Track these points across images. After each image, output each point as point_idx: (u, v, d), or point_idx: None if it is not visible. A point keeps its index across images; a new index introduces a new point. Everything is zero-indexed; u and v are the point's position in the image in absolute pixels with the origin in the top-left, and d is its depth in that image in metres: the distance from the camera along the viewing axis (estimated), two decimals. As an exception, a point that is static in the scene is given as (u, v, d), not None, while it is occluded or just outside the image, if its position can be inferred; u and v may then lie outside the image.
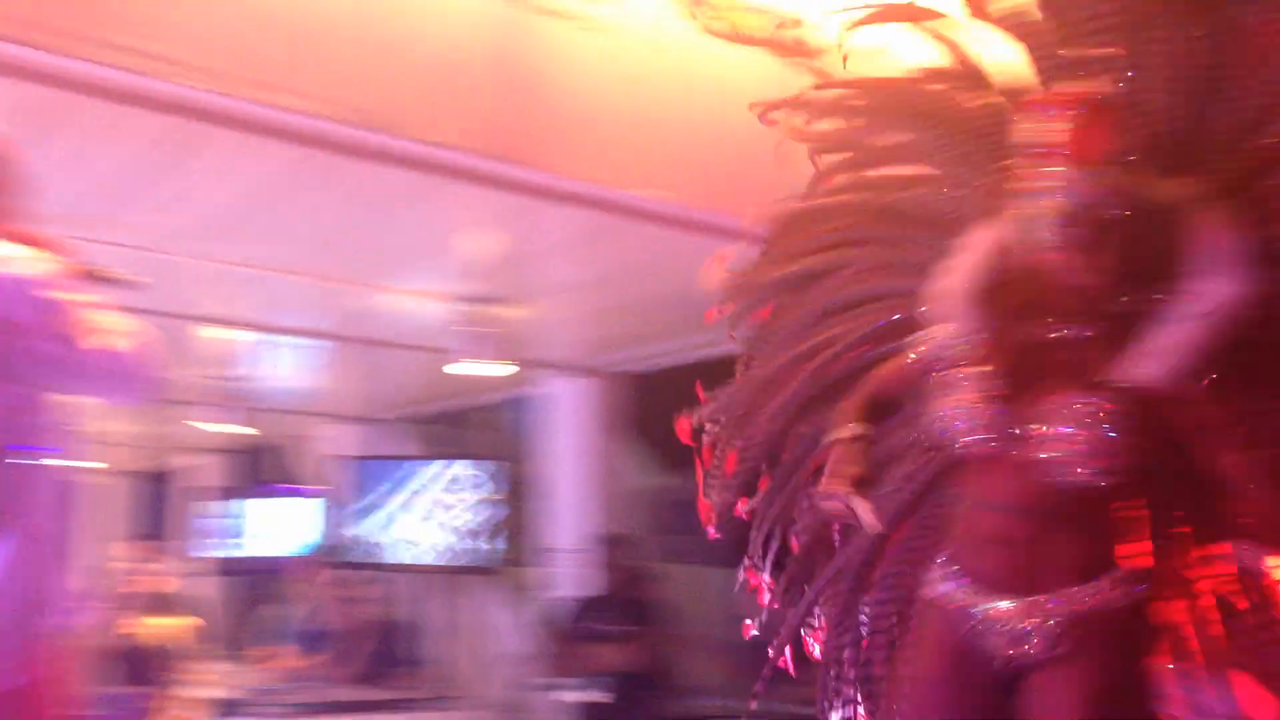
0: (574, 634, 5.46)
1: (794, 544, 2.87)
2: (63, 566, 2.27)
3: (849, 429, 2.31)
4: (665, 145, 3.91)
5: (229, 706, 5.56)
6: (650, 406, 6.33)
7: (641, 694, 5.23)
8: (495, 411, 8.06)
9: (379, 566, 7.19)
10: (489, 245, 4.53)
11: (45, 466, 2.28)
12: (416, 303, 5.19)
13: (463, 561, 6.96)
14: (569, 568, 6.25)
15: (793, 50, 4.05)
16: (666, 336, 5.90)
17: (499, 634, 7.17)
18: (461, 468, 6.97)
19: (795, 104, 2.93)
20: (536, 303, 5.24)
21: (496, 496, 6.78)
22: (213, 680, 5.58)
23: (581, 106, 3.77)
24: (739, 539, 3.47)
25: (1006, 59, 2.52)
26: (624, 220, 4.05)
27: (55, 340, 2.25)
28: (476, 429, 8.40)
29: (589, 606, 5.55)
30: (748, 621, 3.11)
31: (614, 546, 5.68)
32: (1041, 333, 2.10)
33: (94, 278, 2.51)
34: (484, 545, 6.83)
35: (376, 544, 7.19)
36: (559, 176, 3.75)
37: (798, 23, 4.11)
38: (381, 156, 3.55)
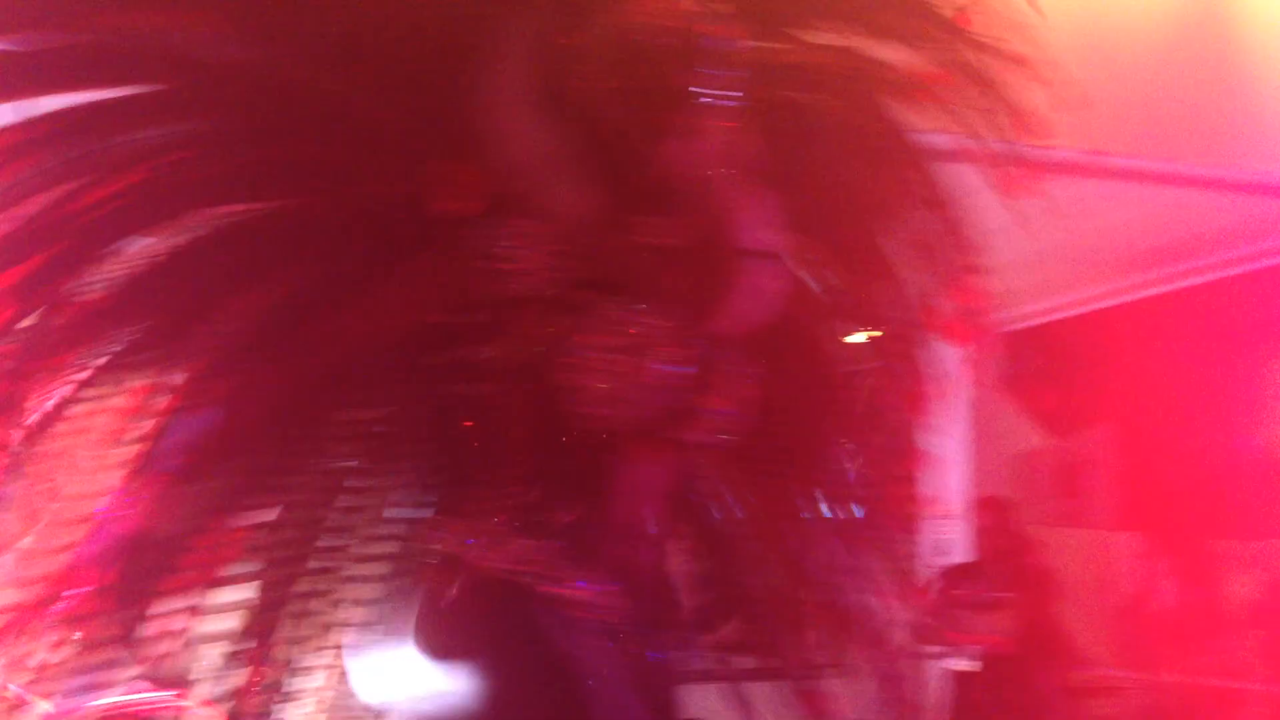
0: (952, 600, 5.40)
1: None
2: None
3: None
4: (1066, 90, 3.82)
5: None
6: (1036, 363, 6.20)
7: (1022, 664, 5.10)
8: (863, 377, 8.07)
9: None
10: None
11: None
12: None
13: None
14: (952, 533, 6.22)
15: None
16: (1058, 291, 5.76)
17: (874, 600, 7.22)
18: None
19: None
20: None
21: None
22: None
23: None
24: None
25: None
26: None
27: None
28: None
29: (966, 571, 5.49)
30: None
31: (994, 510, 5.56)
32: None
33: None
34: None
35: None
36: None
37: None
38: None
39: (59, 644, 1.49)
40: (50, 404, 1.53)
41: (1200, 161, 3.97)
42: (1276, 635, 5.12)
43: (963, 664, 5.31)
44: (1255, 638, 5.34)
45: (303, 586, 1.57)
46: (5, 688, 1.55)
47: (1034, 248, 4.93)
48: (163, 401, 1.51)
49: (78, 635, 1.48)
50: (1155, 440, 5.69)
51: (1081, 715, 5.49)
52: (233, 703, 1.53)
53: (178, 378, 1.51)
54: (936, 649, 5.56)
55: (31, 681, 1.51)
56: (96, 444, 1.52)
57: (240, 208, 1.56)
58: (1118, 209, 4.40)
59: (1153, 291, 5.40)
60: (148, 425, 1.50)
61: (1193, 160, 3.96)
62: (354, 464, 1.59)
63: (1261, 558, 6.40)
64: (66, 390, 1.52)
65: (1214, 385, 5.51)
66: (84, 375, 1.53)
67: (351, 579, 1.59)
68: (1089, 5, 3.78)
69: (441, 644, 1.57)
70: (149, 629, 1.50)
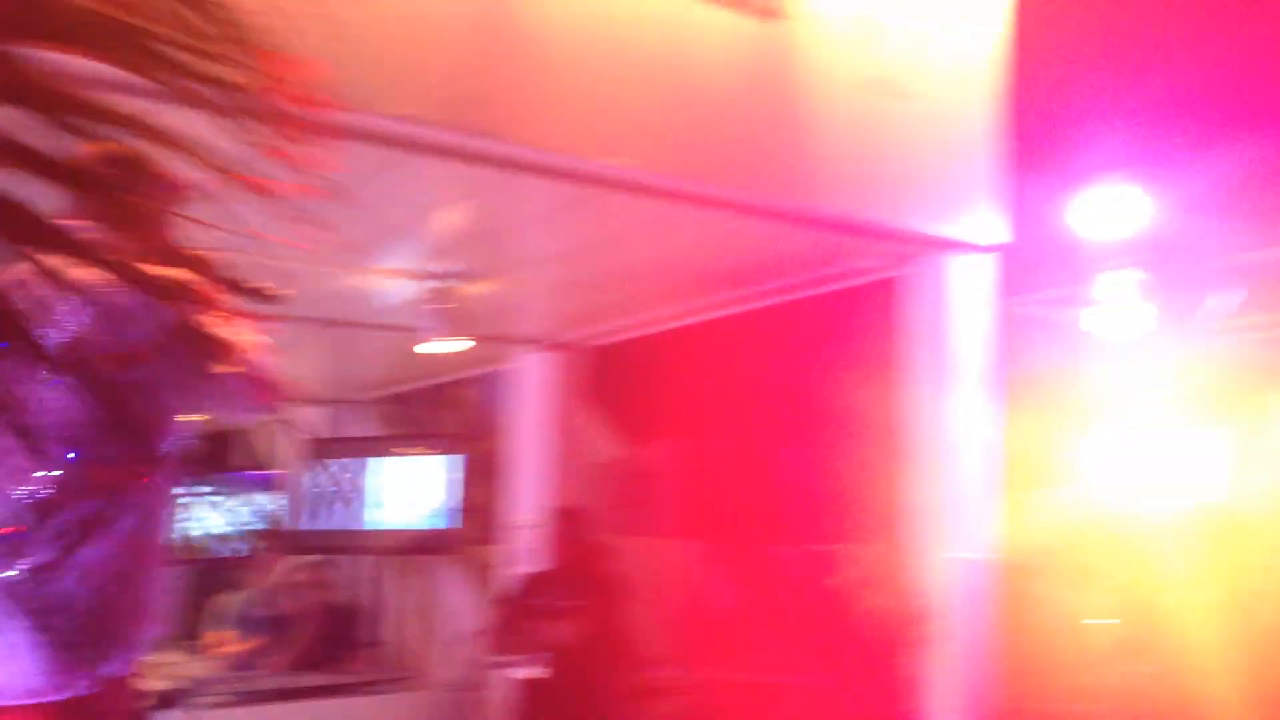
0: (523, 609, 5.45)
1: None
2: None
3: None
4: (638, 114, 3.96)
5: (176, 695, 5.51)
6: (612, 378, 6.43)
7: (589, 668, 5.24)
8: (460, 389, 8.10)
9: (337, 549, 7.21)
10: (458, 220, 4.56)
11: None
12: (384, 281, 5.21)
13: (422, 542, 7.00)
14: (528, 543, 6.31)
15: (767, 13, 4.11)
16: (635, 309, 5.98)
17: (456, 614, 7.21)
18: (424, 448, 7.00)
19: None
20: (506, 277, 5.28)
21: (458, 475, 6.82)
22: (163, 669, 5.53)
23: (552, 76, 3.79)
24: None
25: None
26: (595, 191, 4.09)
27: (192, 370, 2.40)
28: (440, 408, 8.43)
29: (539, 581, 5.57)
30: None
31: (567, 519, 5.67)
32: None
33: (237, 290, 2.40)
34: (444, 524, 6.87)
35: (336, 526, 7.20)
36: (529, 148, 3.75)
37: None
38: (348, 132, 3.53)
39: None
40: None
41: (765, 193, 4.24)
42: (825, 635, 5.57)
43: (532, 671, 5.35)
44: (805, 637, 5.81)
45: None
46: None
47: (613, 267, 5.16)
48: None
49: None
50: (718, 453, 6.08)
51: (644, 715, 5.71)
52: None
53: None
54: (507, 658, 5.60)
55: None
56: None
57: None
58: (690, 233, 4.61)
59: (721, 313, 5.72)
60: None
61: (758, 191, 4.22)
62: None
63: (816, 562, 6.97)
64: None
65: (774, 402, 5.94)
66: None
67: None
68: (665, 34, 3.93)
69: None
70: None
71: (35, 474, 2.27)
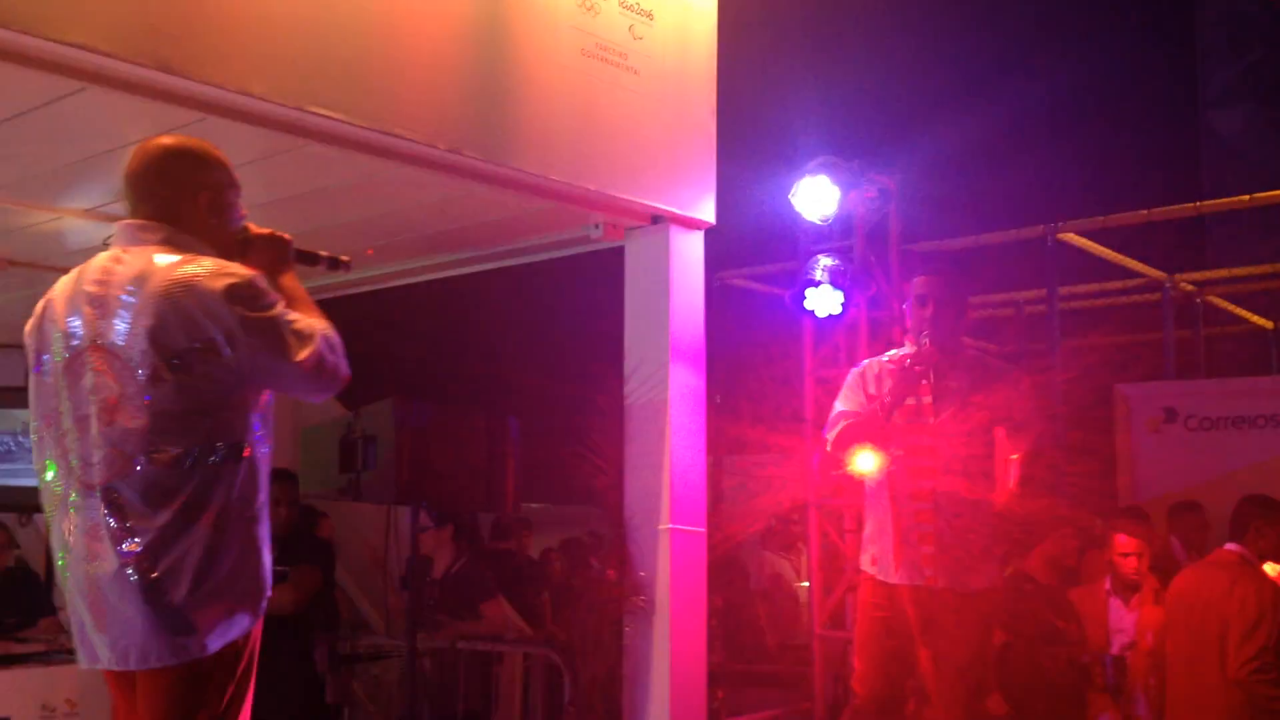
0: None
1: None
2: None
3: None
4: (346, 64, 3.79)
5: None
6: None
7: (293, 634, 5.03)
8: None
9: (10, 506, 6.64)
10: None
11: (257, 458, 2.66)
12: (65, 222, 4.81)
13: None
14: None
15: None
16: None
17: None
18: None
19: None
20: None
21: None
22: None
23: (254, 17, 3.57)
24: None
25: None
26: (300, 143, 3.88)
27: (277, 354, 2.58)
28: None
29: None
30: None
31: (276, 482, 5.38)
32: None
33: (306, 261, 2.84)
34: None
35: (7, 482, 6.63)
36: (224, 90, 3.52)
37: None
38: (16, 57, 3.22)
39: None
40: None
41: (478, 155, 4.16)
42: (544, 601, 5.53)
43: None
44: (524, 603, 5.79)
45: None
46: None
47: (322, 222, 4.94)
48: None
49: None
50: (435, 417, 5.94)
51: (361, 681, 5.57)
52: None
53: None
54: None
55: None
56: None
57: None
58: (405, 192, 4.47)
59: (442, 274, 5.61)
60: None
61: (470, 153, 4.13)
62: None
63: (531, 529, 6.90)
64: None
65: (494, 367, 5.87)
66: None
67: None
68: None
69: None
70: None
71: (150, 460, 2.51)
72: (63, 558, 2.62)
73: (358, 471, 5.11)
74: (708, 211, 4.87)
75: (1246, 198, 8.78)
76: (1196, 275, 10.65)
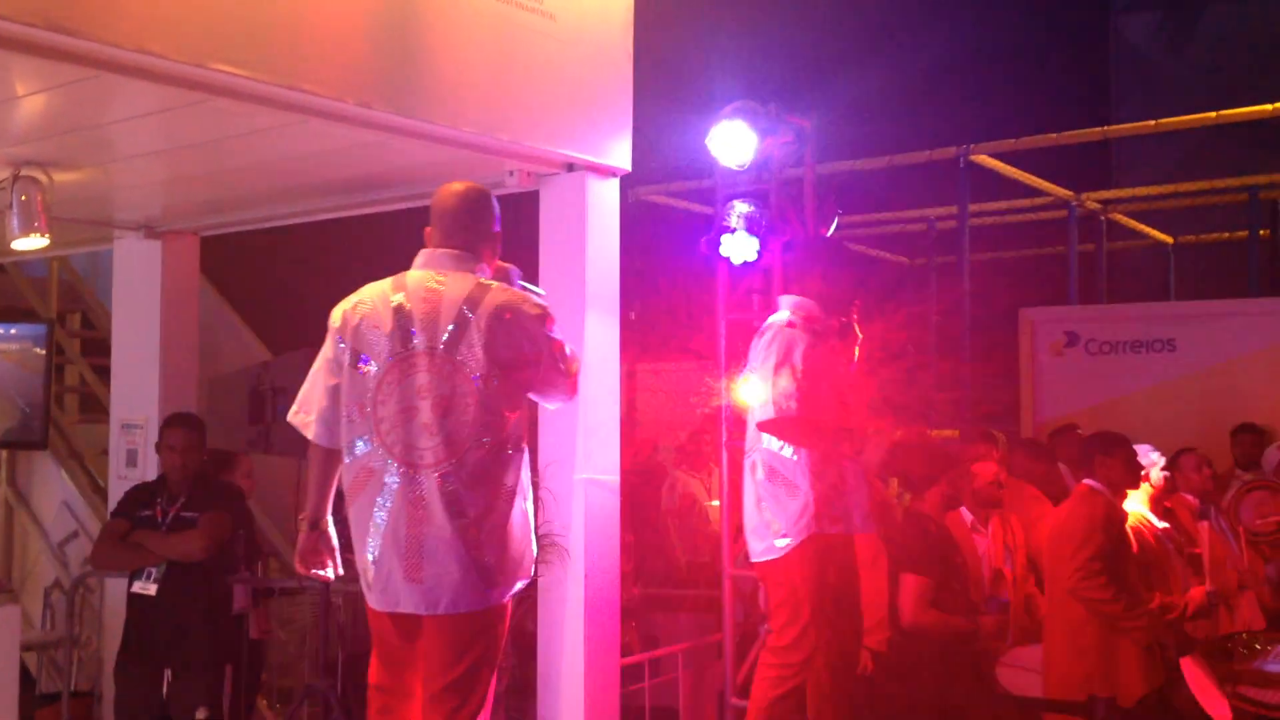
0: (130, 521, 5.08)
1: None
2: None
3: None
4: (246, 18, 3.64)
5: None
6: (240, 278, 6.05)
7: (205, 579, 4.98)
8: (47, 271, 7.41)
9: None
10: (46, 114, 4.08)
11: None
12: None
13: (11, 437, 6.41)
14: (138, 447, 5.92)
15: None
16: (246, 205, 5.61)
17: (54, 518, 6.71)
18: (12, 330, 6.36)
19: None
20: (101, 168, 4.81)
21: (45, 360, 6.24)
22: None
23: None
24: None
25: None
26: (200, 96, 3.74)
27: (557, 371, 3.27)
28: (28, 289, 7.70)
29: (148, 491, 5.21)
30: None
31: (178, 427, 5.19)
32: None
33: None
34: (37, 418, 6.30)
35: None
36: (121, 49, 3.37)
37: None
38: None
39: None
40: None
41: (396, 110, 4.05)
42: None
43: (145, 584, 5.04)
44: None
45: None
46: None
47: (225, 167, 4.80)
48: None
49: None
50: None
51: (268, 627, 5.57)
52: None
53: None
54: (118, 569, 5.27)
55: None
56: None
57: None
58: (312, 140, 4.35)
59: (356, 212, 5.49)
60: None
61: (389, 108, 4.03)
62: None
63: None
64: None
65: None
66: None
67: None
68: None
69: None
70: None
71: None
72: (381, 520, 3.15)
73: (267, 424, 5.05)
74: (623, 158, 4.82)
75: (1152, 123, 8.93)
76: (1102, 194, 10.86)
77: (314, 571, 3.41)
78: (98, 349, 7.71)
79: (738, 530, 5.33)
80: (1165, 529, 5.52)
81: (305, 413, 3.33)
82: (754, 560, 4.46)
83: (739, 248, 5.11)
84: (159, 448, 5.18)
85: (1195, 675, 4.91)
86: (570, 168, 4.72)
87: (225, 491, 5.17)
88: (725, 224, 5.10)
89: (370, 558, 3.19)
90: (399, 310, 3.18)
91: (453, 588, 3.13)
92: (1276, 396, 7.85)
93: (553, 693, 4.70)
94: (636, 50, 4.84)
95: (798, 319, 4.33)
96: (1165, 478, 5.58)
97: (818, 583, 4.20)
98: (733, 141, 5.07)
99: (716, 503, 6.31)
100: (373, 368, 3.18)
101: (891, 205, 10.79)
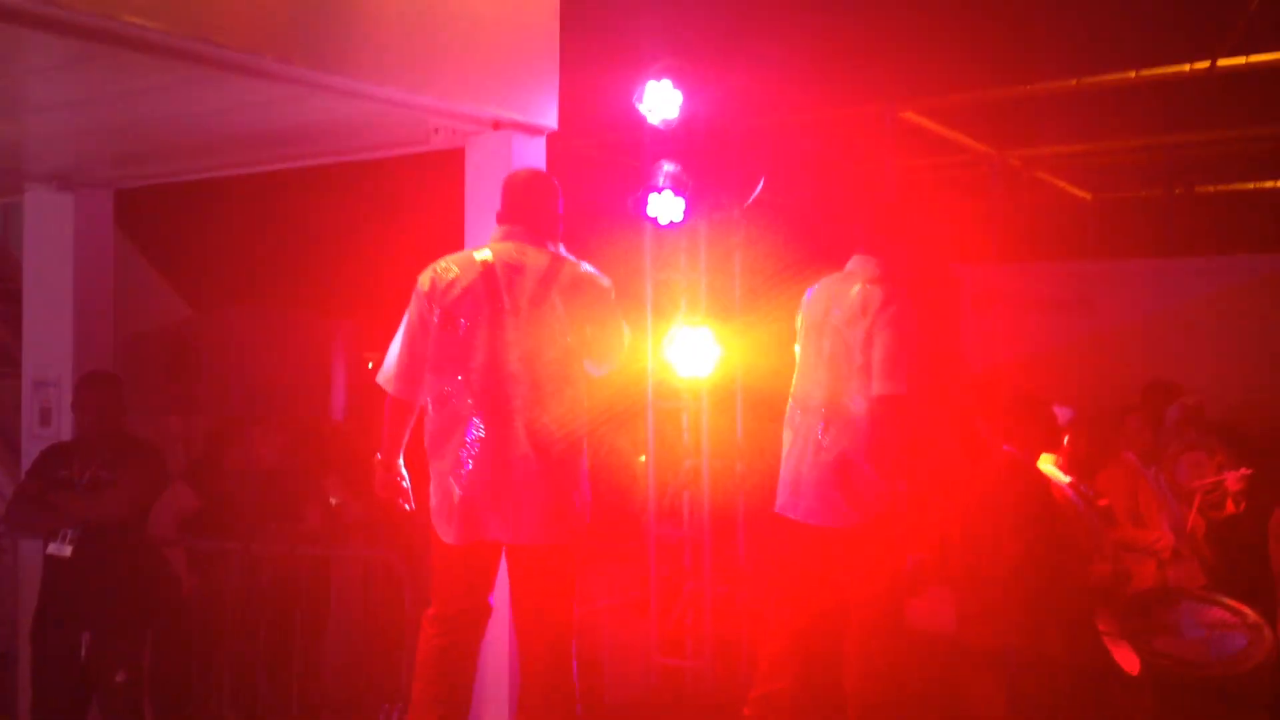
0: (46, 481, 4.97)
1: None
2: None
3: None
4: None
5: None
6: (162, 232, 5.89)
7: (120, 544, 4.90)
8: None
9: None
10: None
11: None
12: None
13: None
14: (52, 405, 5.78)
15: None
16: (161, 158, 5.46)
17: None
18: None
19: None
20: (15, 119, 4.65)
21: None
22: None
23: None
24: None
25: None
26: (109, 48, 3.61)
27: (620, 339, 3.79)
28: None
29: (63, 451, 5.10)
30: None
31: (93, 386, 5.07)
32: None
33: None
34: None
35: None
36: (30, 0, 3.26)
37: None
38: None
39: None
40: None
41: (315, 65, 3.96)
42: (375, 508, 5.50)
43: (59, 547, 4.95)
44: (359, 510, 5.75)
45: None
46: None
47: (136, 119, 4.66)
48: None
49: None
50: (265, 322, 5.76)
51: (191, 590, 5.52)
52: None
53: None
54: (31, 532, 5.17)
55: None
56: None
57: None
58: (225, 93, 4.24)
59: (278, 166, 5.39)
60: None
61: (307, 64, 3.94)
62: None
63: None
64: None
65: (328, 270, 5.70)
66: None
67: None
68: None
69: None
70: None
71: None
72: (468, 460, 3.53)
73: (187, 383, 4.96)
74: (550, 117, 4.76)
75: (1074, 81, 9.03)
76: (1024, 152, 10.99)
77: (398, 501, 3.81)
78: (12, 300, 7.48)
79: (662, 486, 5.36)
80: (1070, 482, 5.63)
81: (387, 371, 3.73)
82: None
83: (666, 208, 5.10)
84: (74, 406, 5.07)
85: (1108, 629, 5.03)
86: (496, 126, 4.66)
87: (144, 450, 5.07)
88: (652, 184, 5.09)
89: (456, 496, 3.57)
90: (488, 275, 3.61)
91: (540, 520, 3.55)
92: (1191, 354, 8.03)
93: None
94: (564, 7, 4.77)
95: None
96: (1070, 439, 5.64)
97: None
98: (661, 101, 5.04)
99: (644, 458, 6.34)
100: (463, 324, 3.58)
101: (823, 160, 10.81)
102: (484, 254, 3.69)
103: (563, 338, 3.61)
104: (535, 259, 3.67)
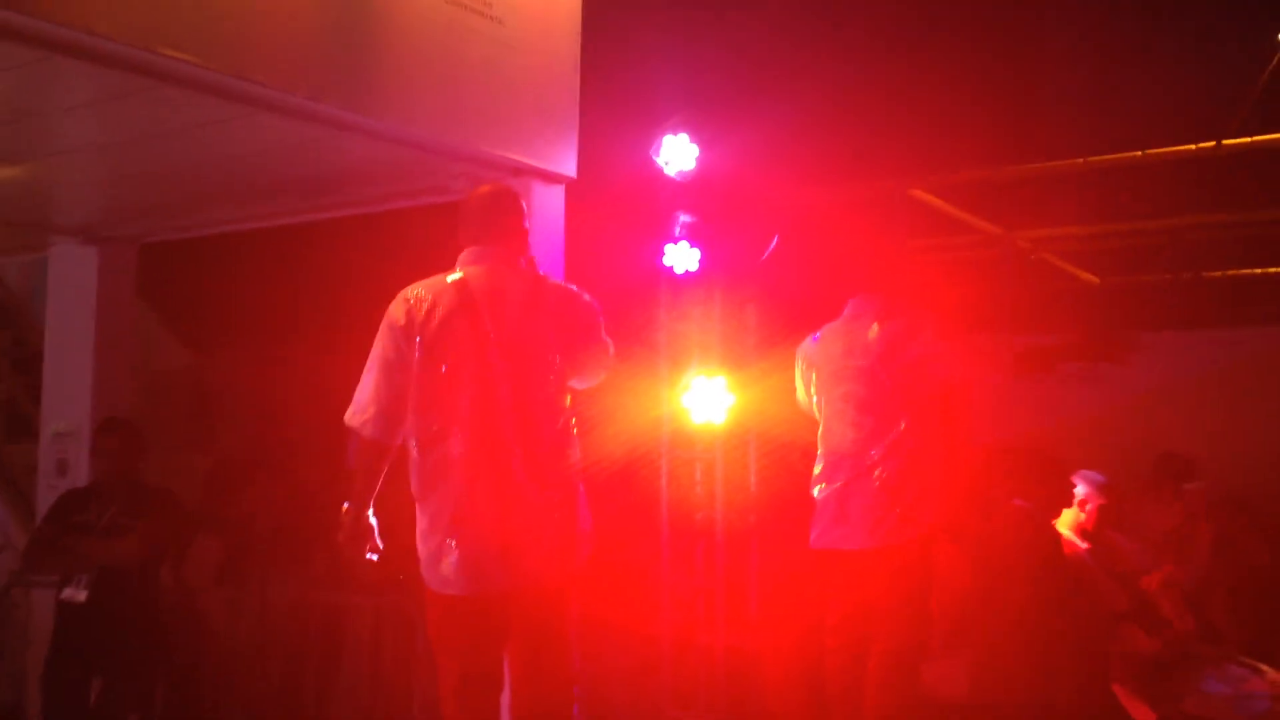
0: (63, 526, 4.99)
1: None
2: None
3: None
4: (187, 4, 3.64)
5: None
6: (172, 281, 5.98)
7: (134, 589, 4.90)
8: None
9: None
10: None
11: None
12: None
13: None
14: (71, 453, 5.82)
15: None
16: (186, 210, 5.57)
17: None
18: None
19: None
20: (39, 163, 4.76)
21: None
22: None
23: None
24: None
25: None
26: (147, 83, 3.72)
27: (607, 354, 3.58)
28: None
29: (81, 496, 5.12)
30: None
31: (112, 432, 5.14)
32: None
33: None
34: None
35: None
36: (68, 29, 3.36)
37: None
38: None
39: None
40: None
41: (346, 106, 4.07)
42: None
43: (75, 592, 4.94)
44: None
45: None
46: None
47: (169, 165, 4.77)
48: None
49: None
50: (277, 367, 5.82)
51: (200, 636, 5.49)
52: None
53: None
54: (47, 577, 5.16)
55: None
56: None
57: None
58: (259, 136, 4.34)
59: (292, 220, 5.48)
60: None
61: (338, 103, 4.04)
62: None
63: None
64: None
65: (344, 319, 5.74)
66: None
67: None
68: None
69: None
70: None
71: None
72: (464, 505, 3.26)
73: (198, 420, 5.00)
74: (569, 165, 4.87)
75: (1081, 160, 9.16)
76: (1031, 233, 11.08)
77: (363, 554, 3.43)
78: (29, 367, 7.55)
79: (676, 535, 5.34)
80: (1087, 548, 5.60)
81: (362, 412, 3.35)
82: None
83: (681, 258, 5.18)
84: (92, 452, 5.11)
85: (1127, 696, 4.99)
86: (516, 172, 4.77)
87: (163, 497, 5.10)
88: (669, 234, 5.18)
89: (453, 544, 3.28)
90: (466, 301, 3.36)
91: (544, 559, 3.30)
92: (1195, 426, 8.03)
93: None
94: (584, 59, 4.90)
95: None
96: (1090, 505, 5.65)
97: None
98: (677, 153, 5.15)
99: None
100: (448, 357, 3.31)
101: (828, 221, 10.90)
102: (456, 276, 3.43)
103: (553, 360, 3.41)
104: (513, 281, 3.46)
